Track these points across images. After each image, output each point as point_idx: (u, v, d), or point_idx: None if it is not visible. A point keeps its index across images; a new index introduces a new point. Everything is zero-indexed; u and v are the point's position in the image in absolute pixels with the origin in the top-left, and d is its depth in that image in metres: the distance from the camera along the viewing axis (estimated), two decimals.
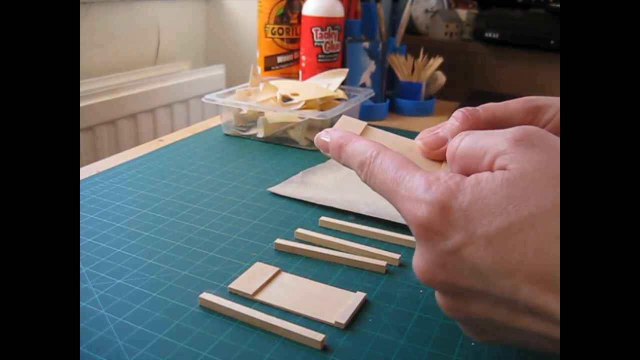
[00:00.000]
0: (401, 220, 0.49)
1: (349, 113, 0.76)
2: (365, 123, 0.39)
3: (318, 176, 0.60)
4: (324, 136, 0.35)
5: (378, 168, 0.31)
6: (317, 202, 0.53)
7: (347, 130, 0.35)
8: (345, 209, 0.52)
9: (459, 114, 0.36)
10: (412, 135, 0.37)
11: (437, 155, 0.36)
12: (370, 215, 0.50)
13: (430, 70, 0.90)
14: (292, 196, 0.55)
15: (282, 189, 0.56)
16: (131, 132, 1.13)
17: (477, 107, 0.36)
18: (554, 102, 0.36)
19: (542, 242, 0.23)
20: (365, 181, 0.32)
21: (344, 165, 0.34)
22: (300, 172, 0.61)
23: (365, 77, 0.86)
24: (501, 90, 1.01)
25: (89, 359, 0.32)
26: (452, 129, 0.36)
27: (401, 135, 0.37)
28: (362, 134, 0.38)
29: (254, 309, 0.36)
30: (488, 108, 0.36)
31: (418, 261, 0.28)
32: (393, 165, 0.30)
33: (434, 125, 0.37)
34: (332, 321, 0.36)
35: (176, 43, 1.33)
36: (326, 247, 0.45)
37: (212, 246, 0.45)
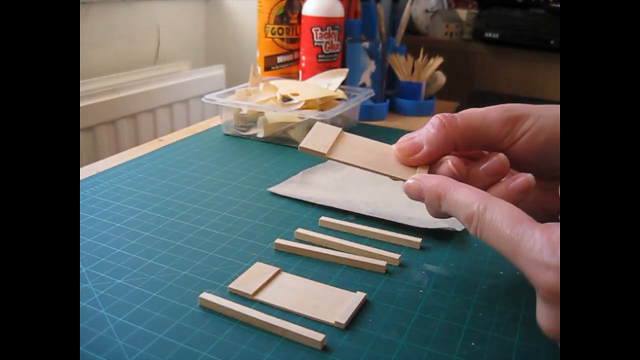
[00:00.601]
0: (401, 220, 0.49)
1: (349, 113, 0.76)
2: (339, 129, 0.39)
3: (318, 176, 0.60)
4: (413, 182, 0.34)
5: (489, 223, 0.29)
6: (317, 202, 0.53)
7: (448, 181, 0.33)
8: (345, 209, 0.52)
9: (435, 120, 0.35)
10: None
11: (411, 161, 0.36)
12: (370, 215, 0.50)
13: (430, 70, 0.90)
14: (292, 196, 0.55)
15: (282, 189, 0.56)
16: (131, 132, 1.13)
17: (455, 114, 0.36)
18: (533, 111, 0.35)
19: None
20: (475, 234, 0.30)
21: (445, 213, 0.33)
22: (300, 172, 0.61)
23: (365, 77, 0.86)
24: (501, 90, 1.01)
25: (89, 359, 0.32)
26: (427, 135, 0.35)
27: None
28: (338, 139, 0.38)
29: (254, 309, 0.36)
30: (465, 115, 0.35)
31: (551, 323, 0.27)
32: (506, 221, 0.28)
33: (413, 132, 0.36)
34: (332, 321, 0.36)
35: (176, 43, 1.33)
36: (326, 247, 0.45)
37: (212, 246, 0.45)
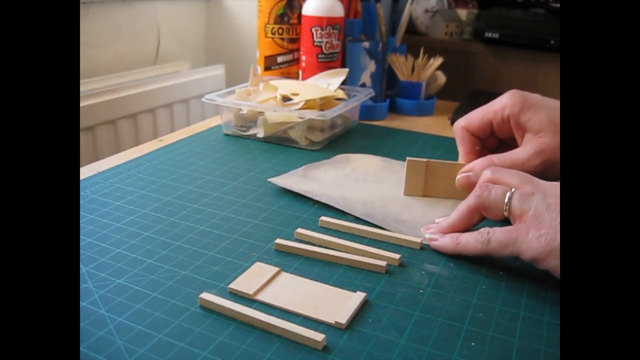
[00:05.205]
0: (391, 226, 0.49)
1: (349, 113, 0.76)
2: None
3: (320, 171, 0.60)
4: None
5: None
6: (314, 197, 0.53)
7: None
8: (341, 207, 0.52)
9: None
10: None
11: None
12: (363, 217, 0.50)
13: (430, 70, 0.90)
14: (290, 188, 0.55)
15: (282, 180, 0.57)
16: (131, 132, 1.13)
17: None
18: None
19: None
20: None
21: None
22: (303, 166, 0.61)
23: (365, 77, 0.86)
24: (501, 90, 1.01)
25: (89, 359, 0.32)
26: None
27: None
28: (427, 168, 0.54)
29: (254, 309, 0.36)
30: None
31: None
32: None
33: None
34: (332, 321, 0.36)
35: (176, 43, 1.32)
36: (326, 247, 0.45)
37: (212, 246, 0.45)
